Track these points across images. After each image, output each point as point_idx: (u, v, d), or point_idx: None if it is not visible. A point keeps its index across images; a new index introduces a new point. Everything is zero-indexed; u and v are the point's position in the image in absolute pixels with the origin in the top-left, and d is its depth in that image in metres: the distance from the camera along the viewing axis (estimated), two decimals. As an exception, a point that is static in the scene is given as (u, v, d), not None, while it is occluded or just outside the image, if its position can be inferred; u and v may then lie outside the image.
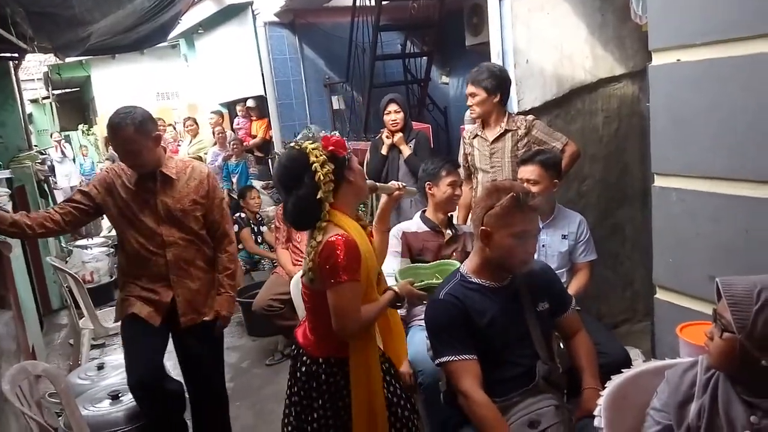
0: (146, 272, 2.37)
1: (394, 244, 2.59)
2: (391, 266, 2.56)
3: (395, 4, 6.19)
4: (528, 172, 2.51)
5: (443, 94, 7.21)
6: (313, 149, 1.70)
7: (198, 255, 2.43)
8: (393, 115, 3.68)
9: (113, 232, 7.89)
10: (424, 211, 2.72)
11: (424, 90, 6.54)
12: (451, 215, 2.77)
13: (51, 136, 11.80)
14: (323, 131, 5.98)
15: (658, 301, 2.21)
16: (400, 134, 3.68)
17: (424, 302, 1.93)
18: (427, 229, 2.63)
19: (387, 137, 3.76)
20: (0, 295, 2.20)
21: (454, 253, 2.59)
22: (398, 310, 2.01)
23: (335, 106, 6.91)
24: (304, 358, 1.80)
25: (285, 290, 3.51)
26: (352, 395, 1.70)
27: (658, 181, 2.16)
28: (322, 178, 1.66)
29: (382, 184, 2.05)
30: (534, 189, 2.46)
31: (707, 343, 1.27)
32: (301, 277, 1.79)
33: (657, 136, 2.14)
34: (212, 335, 2.50)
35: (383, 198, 2.03)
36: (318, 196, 1.66)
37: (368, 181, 1.93)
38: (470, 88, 2.85)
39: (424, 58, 6.63)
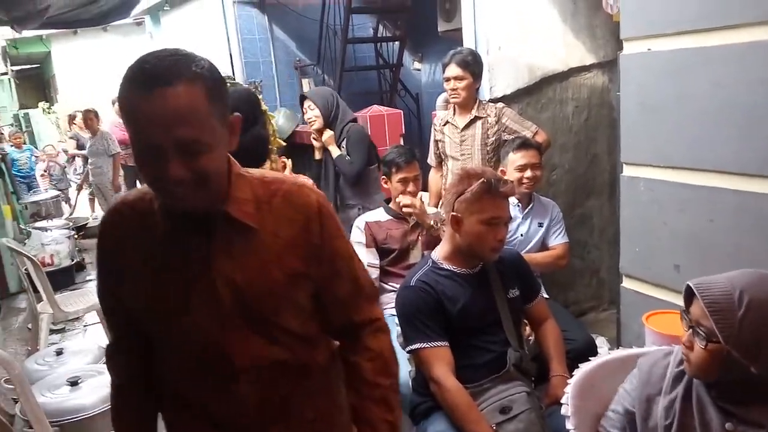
0: (201, 418, 1.14)
1: (358, 235, 2.56)
2: (361, 256, 2.53)
3: (368, -14, 6.10)
4: (530, 156, 2.50)
5: (415, 80, 7.16)
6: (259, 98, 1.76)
7: (307, 383, 1.15)
8: (309, 113, 3.13)
9: (76, 213, 7.75)
10: (387, 200, 2.70)
11: (396, 75, 6.49)
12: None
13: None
14: (298, 114, 5.89)
15: (624, 289, 2.25)
16: (330, 133, 3.12)
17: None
18: (390, 217, 2.61)
19: (315, 139, 3.23)
20: (-50, 277, 2.08)
21: (419, 238, 2.58)
22: None
23: (305, 89, 6.79)
24: None
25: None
26: None
27: (627, 171, 2.18)
28: (272, 124, 1.77)
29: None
30: (538, 173, 2.50)
31: (685, 352, 1.19)
32: None
33: (626, 126, 2.15)
34: None
35: None
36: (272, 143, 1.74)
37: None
38: (455, 71, 2.74)
39: (396, 43, 6.57)
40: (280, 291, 1.05)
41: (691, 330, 1.17)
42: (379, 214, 2.63)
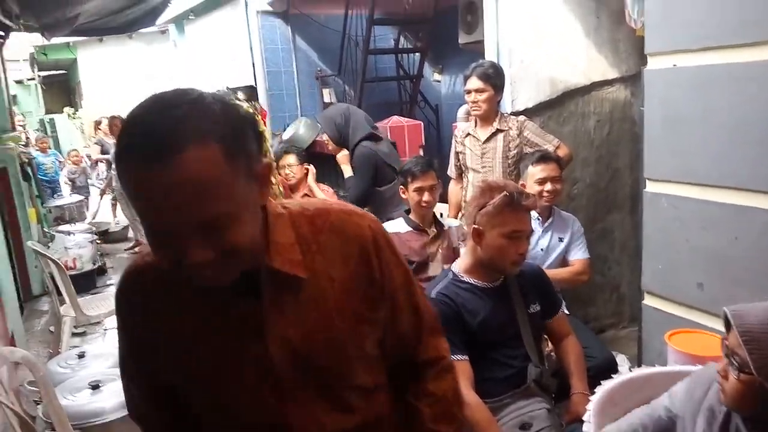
0: None
1: None
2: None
3: (390, -2, 6.14)
4: (550, 169, 2.51)
5: (435, 91, 7.18)
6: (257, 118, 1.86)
7: None
8: (324, 134, 3.20)
9: (98, 218, 7.87)
10: (407, 211, 2.70)
11: (416, 86, 6.52)
12: (440, 213, 2.76)
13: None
14: (318, 124, 5.94)
15: (645, 307, 2.22)
16: (343, 153, 3.17)
17: None
18: (410, 228, 2.61)
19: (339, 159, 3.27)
20: (-21, 280, 2.13)
21: (440, 250, 2.58)
22: None
23: (326, 99, 6.85)
24: None
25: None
26: None
27: (650, 187, 2.17)
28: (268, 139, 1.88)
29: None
30: (558, 186, 2.50)
31: (721, 381, 1.15)
32: None
33: (650, 141, 2.14)
34: None
35: None
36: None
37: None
38: (476, 83, 2.76)
39: (416, 54, 6.60)
40: (345, 344, 0.89)
41: (727, 359, 1.13)
42: (399, 225, 2.64)
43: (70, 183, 8.20)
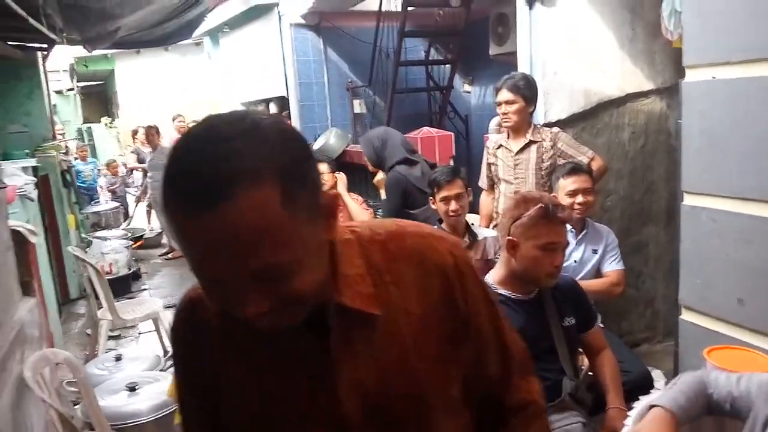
0: None
1: None
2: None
3: (421, 10, 6.19)
4: (581, 181, 2.50)
5: (465, 102, 7.19)
6: None
7: None
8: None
9: (134, 224, 8.06)
10: (440, 221, 2.71)
11: (446, 98, 6.54)
12: (471, 222, 2.76)
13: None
14: (350, 134, 6.01)
15: (683, 322, 2.18)
16: (380, 176, 3.26)
17: None
18: None
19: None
20: (25, 281, 2.22)
21: (473, 262, 2.57)
22: None
23: (356, 110, 6.92)
24: None
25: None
26: None
27: (688, 200, 2.14)
28: None
29: None
30: (590, 198, 2.48)
31: None
32: None
33: (688, 154, 2.11)
34: None
35: None
36: None
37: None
38: (507, 95, 2.77)
39: (447, 65, 6.63)
40: (424, 388, 0.78)
41: None
42: (430, 236, 2.64)
43: (110, 193, 8.42)
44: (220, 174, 0.60)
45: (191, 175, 0.61)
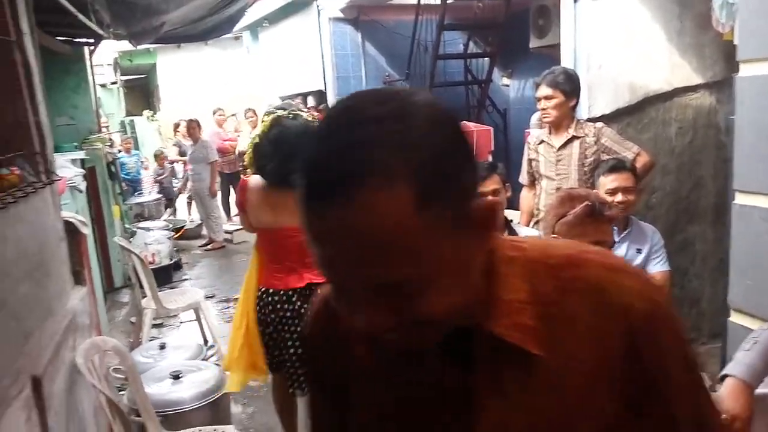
0: None
1: None
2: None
3: (460, 3, 6.14)
4: (622, 179, 2.44)
5: (503, 96, 7.11)
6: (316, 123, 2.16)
7: None
8: None
9: (177, 216, 8.23)
10: None
11: (485, 91, 6.48)
12: (510, 219, 2.73)
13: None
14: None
15: (732, 324, 2.12)
16: None
17: None
18: None
19: None
20: (77, 270, 2.30)
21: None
22: None
23: (393, 104, 6.93)
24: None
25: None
26: None
27: (740, 199, 2.07)
28: None
29: None
30: (631, 198, 2.43)
31: None
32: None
33: (741, 152, 2.04)
34: None
35: None
36: None
37: None
38: (546, 90, 2.73)
39: (486, 59, 6.57)
40: None
41: None
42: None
43: (158, 184, 8.61)
44: (347, 166, 0.51)
45: (317, 165, 0.54)
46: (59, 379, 1.81)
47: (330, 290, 0.62)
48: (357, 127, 0.53)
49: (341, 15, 6.63)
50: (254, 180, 2.37)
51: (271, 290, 2.37)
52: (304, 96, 7.70)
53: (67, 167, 3.50)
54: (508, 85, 7.22)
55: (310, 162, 0.55)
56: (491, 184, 2.52)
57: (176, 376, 2.59)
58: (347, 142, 0.53)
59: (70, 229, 2.29)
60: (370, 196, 0.51)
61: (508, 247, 0.65)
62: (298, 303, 2.35)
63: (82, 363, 1.91)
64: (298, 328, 2.35)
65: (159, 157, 8.85)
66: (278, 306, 2.36)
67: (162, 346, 3.07)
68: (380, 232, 0.51)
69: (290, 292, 2.35)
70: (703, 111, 3.24)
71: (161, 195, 8.04)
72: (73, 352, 1.96)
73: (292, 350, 2.38)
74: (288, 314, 2.36)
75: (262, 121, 2.36)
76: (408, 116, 0.53)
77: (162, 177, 8.56)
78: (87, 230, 2.49)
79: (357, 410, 0.72)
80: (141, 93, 17.95)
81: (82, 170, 4.17)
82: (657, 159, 3.02)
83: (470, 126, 4.57)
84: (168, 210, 8.23)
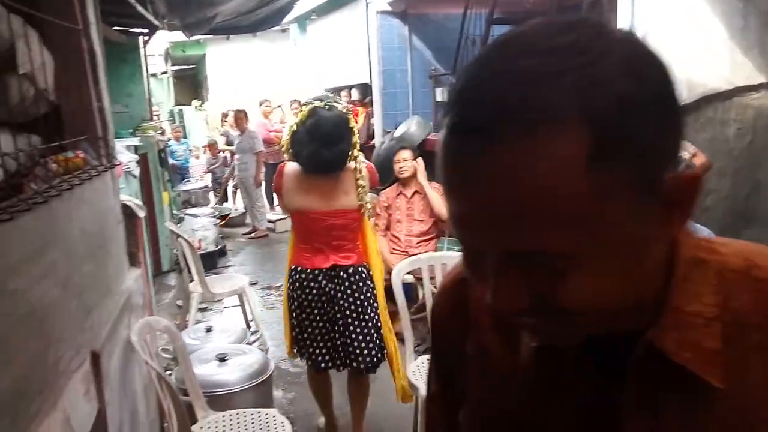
0: None
1: None
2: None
3: (510, -3, 6.05)
4: None
5: (551, 92, 7.00)
6: (350, 115, 2.50)
7: None
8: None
9: (224, 205, 8.42)
10: None
11: (532, 87, 6.39)
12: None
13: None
14: (431, 122, 6.00)
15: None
16: None
17: None
18: None
19: None
20: (132, 252, 2.38)
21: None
22: None
23: (438, 98, 6.88)
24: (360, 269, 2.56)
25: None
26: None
27: (804, 203, 1.99)
28: (356, 133, 2.53)
29: None
30: None
31: None
32: (357, 207, 2.51)
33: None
34: None
35: None
36: (354, 149, 2.49)
37: None
38: None
39: (535, 54, 6.47)
40: None
41: None
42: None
43: (210, 173, 8.79)
44: (509, 102, 0.41)
45: (471, 97, 0.44)
46: (115, 356, 1.88)
47: (464, 260, 0.51)
48: (527, 57, 0.42)
49: (389, 8, 6.63)
50: (290, 166, 2.54)
51: (299, 268, 2.54)
52: (349, 89, 7.74)
53: (123, 153, 3.63)
54: (556, 81, 7.10)
55: (464, 93, 0.45)
56: None
57: (222, 359, 2.66)
58: (513, 74, 0.42)
59: (127, 212, 2.38)
60: (532, 141, 0.41)
61: (698, 246, 0.52)
62: (324, 282, 2.51)
63: (137, 341, 1.98)
64: (323, 306, 2.51)
65: (212, 146, 8.96)
66: (305, 283, 2.51)
67: (208, 329, 3.16)
68: (536, 185, 0.41)
69: (316, 272, 2.51)
70: (764, 112, 3.11)
71: (214, 184, 8.22)
72: (128, 330, 2.04)
73: (311, 330, 2.54)
74: (314, 292, 2.51)
75: (300, 111, 2.50)
76: (595, 51, 0.42)
77: (215, 166, 8.74)
78: (143, 213, 2.58)
79: (474, 405, 0.64)
80: (190, 83, 18.38)
81: (137, 156, 4.30)
82: (713, 160, 2.93)
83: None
84: (216, 198, 8.41)
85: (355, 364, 2.54)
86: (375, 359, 2.56)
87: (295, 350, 2.64)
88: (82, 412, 1.49)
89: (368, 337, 2.53)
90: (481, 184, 0.43)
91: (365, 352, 2.52)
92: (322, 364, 2.56)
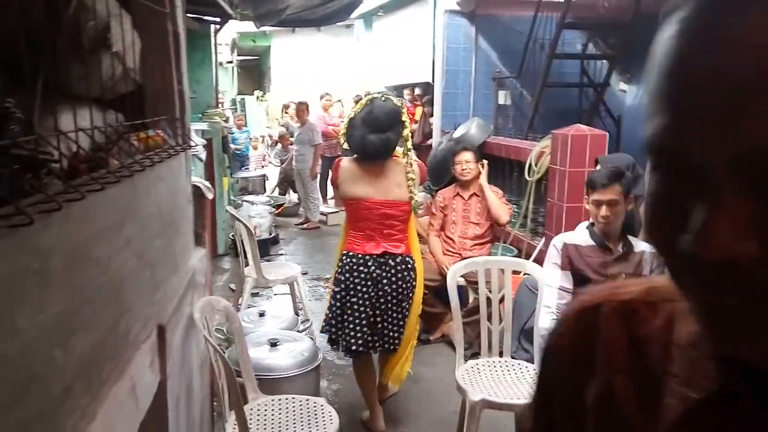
0: None
1: (554, 255, 2.49)
2: (554, 278, 2.47)
3: (584, 1, 5.91)
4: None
5: (618, 101, 6.78)
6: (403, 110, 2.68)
7: None
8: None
9: (276, 193, 8.54)
10: (592, 223, 2.56)
11: (600, 95, 6.21)
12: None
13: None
14: (491, 125, 5.93)
15: None
16: None
17: None
18: (593, 243, 2.47)
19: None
20: (198, 233, 2.44)
21: (623, 275, 2.41)
22: None
23: (500, 101, 6.80)
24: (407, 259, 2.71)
25: (430, 277, 3.55)
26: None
27: None
28: (408, 127, 2.70)
29: None
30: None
31: None
32: (407, 200, 2.66)
33: None
34: None
35: None
36: (405, 141, 2.65)
37: None
38: None
39: (604, 61, 6.29)
40: None
41: None
42: (581, 237, 2.53)
43: (279, 164, 8.80)
44: None
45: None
46: (178, 331, 1.94)
47: (654, 206, 0.38)
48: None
49: (457, 8, 6.58)
50: (345, 160, 2.74)
51: (351, 253, 2.69)
52: (411, 87, 7.74)
53: (194, 136, 3.73)
54: (625, 91, 6.88)
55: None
56: (609, 194, 2.38)
57: (274, 344, 2.70)
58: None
59: (196, 193, 2.44)
60: None
61: None
62: (373, 267, 2.64)
63: (199, 318, 2.03)
64: (368, 291, 2.64)
65: (283, 138, 8.62)
66: (354, 267, 2.66)
67: (261, 314, 3.21)
68: None
69: (367, 257, 2.65)
70: None
71: (265, 172, 8.37)
72: (191, 308, 2.09)
73: (351, 312, 2.66)
74: (362, 275, 2.65)
75: (359, 102, 2.73)
76: None
77: (286, 157, 8.82)
78: (211, 195, 2.65)
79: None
80: (252, 74, 18.79)
81: (204, 140, 4.42)
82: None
83: (584, 129, 4.41)
84: (278, 188, 8.47)
85: (387, 347, 2.73)
86: (400, 342, 2.77)
87: (327, 335, 2.78)
88: (147, 381, 1.54)
89: (401, 322, 2.73)
90: (712, 60, 0.33)
91: (395, 335, 2.73)
92: (354, 347, 2.68)
